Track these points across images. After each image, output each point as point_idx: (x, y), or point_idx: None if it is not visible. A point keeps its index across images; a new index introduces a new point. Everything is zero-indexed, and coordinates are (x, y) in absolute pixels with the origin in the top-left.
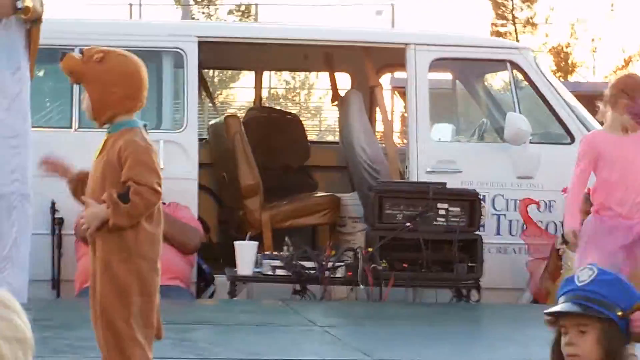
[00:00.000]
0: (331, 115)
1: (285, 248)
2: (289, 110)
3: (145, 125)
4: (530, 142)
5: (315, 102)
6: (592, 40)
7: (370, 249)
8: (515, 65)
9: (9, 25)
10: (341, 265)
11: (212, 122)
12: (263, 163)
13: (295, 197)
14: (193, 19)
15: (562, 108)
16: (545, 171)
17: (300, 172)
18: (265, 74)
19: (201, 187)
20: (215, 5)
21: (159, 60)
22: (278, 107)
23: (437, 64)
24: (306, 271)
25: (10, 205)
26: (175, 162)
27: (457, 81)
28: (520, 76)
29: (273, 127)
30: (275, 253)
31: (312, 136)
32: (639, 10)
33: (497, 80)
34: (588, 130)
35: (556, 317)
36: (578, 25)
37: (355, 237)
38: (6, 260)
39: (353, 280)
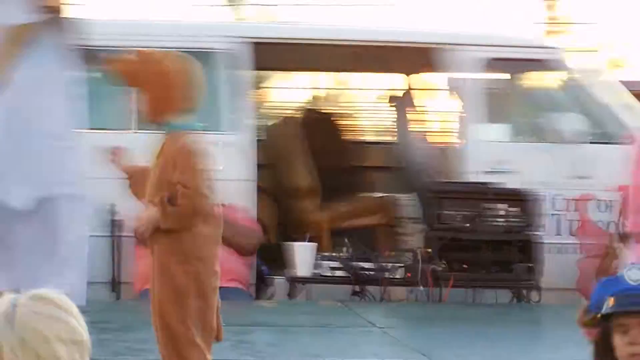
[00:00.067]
0: (387, 116)
1: (343, 249)
2: (344, 111)
3: (201, 127)
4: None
5: (371, 103)
6: None
7: (429, 250)
8: (569, 66)
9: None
10: (400, 267)
11: (270, 123)
12: (319, 164)
13: (353, 198)
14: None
15: (619, 107)
16: (602, 170)
17: (356, 172)
18: (321, 75)
19: (259, 189)
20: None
21: (214, 61)
22: (334, 108)
23: (493, 64)
24: (365, 272)
25: (65, 206)
26: (233, 163)
27: (513, 81)
28: (575, 75)
29: (329, 128)
30: (333, 254)
31: (368, 136)
32: None
33: (552, 80)
34: None
35: (600, 317)
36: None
37: (412, 238)
38: (64, 262)
39: (412, 281)
